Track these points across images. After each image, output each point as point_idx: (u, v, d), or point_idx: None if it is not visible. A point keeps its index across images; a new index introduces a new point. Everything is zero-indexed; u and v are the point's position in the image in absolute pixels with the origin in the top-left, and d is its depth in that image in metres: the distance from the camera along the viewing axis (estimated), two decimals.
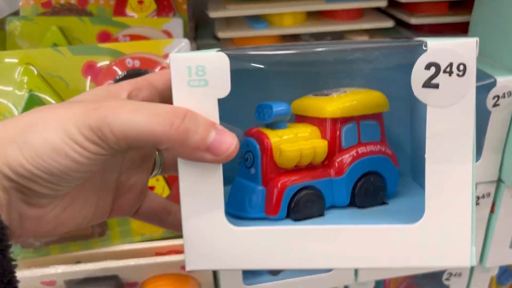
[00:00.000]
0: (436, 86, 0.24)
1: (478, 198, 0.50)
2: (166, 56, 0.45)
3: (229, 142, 0.24)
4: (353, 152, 0.29)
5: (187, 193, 0.26)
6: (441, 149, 0.25)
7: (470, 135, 0.24)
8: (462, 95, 0.24)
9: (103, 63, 0.44)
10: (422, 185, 0.28)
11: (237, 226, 0.27)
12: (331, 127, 0.29)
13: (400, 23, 0.59)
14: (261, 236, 0.27)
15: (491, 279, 0.58)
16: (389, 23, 0.54)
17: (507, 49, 0.46)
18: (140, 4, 0.56)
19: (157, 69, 0.44)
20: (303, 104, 0.31)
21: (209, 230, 0.27)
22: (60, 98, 0.44)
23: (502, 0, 0.47)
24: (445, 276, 0.56)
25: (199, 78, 0.24)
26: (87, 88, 0.45)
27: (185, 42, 0.46)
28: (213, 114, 0.25)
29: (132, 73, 0.43)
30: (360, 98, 0.30)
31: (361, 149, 0.29)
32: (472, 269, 0.56)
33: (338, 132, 0.29)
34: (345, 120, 0.29)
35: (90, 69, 0.44)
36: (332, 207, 0.30)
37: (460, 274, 0.56)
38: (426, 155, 0.25)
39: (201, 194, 0.26)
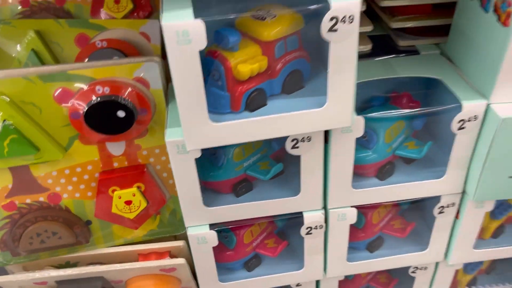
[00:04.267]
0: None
1: (442, 207, 0.52)
2: (136, 79, 0.45)
3: None
4: (283, 60, 0.43)
5: None
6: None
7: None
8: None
9: (74, 86, 0.45)
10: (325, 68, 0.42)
11: None
12: (268, 46, 0.41)
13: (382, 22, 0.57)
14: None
15: (456, 271, 0.62)
16: (368, 28, 0.53)
17: (479, 68, 0.46)
18: (117, 4, 0.56)
19: (126, 93, 0.45)
20: (246, 25, 0.41)
21: None
22: (36, 124, 0.45)
23: (478, 16, 0.45)
24: (411, 269, 0.60)
25: None
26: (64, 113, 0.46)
27: (155, 61, 0.46)
28: None
29: (104, 100, 0.44)
30: (285, 23, 0.41)
31: (288, 57, 0.43)
32: (437, 264, 0.60)
33: (273, 48, 0.41)
34: (277, 40, 0.41)
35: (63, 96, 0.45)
36: (271, 95, 0.43)
37: (426, 268, 0.60)
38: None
39: None
